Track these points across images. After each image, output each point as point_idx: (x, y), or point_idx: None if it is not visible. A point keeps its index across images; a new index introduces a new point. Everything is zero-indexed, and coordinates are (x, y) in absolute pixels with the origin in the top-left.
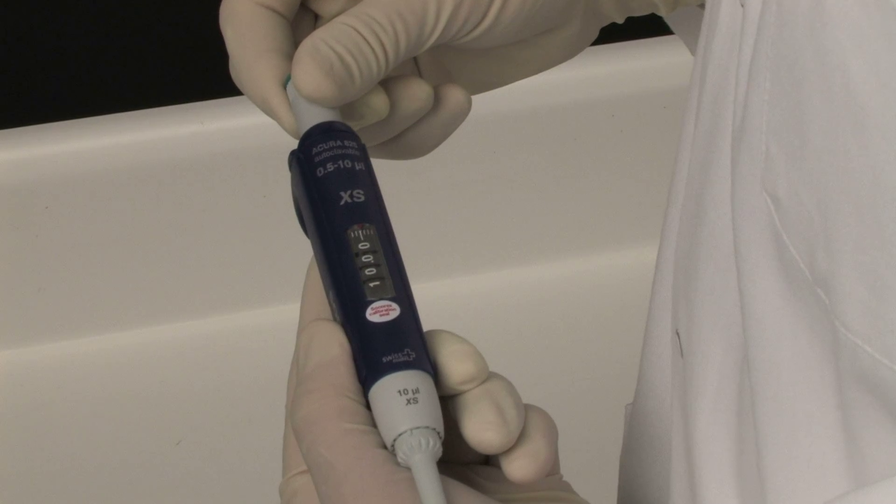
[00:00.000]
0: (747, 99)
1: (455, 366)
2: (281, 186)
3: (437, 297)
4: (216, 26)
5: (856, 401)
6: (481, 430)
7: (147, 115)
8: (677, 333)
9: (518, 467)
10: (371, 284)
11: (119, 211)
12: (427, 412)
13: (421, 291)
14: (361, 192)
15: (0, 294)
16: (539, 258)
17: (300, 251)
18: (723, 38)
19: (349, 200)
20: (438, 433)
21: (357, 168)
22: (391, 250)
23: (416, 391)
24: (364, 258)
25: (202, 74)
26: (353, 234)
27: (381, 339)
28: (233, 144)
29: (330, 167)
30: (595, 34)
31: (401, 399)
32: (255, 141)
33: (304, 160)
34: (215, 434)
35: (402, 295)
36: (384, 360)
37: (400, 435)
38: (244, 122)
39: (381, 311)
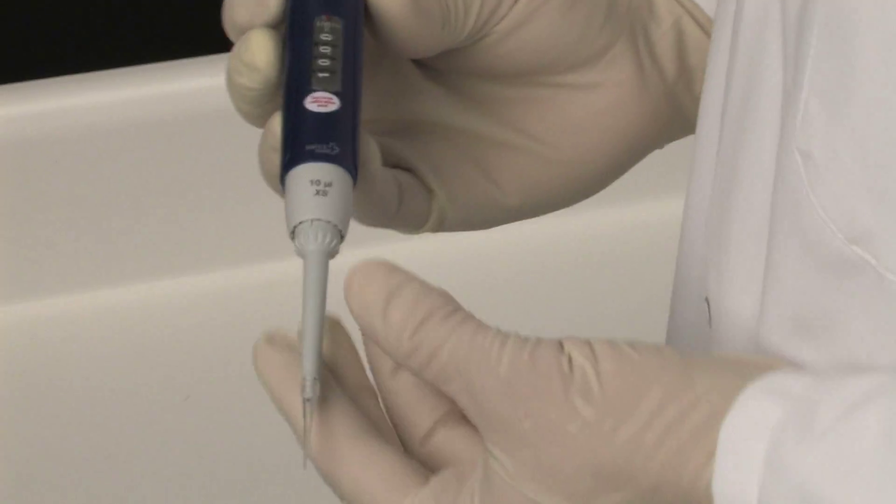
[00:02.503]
0: (794, 57)
1: None
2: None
3: (455, 249)
4: None
5: None
6: None
7: (159, 69)
8: (707, 301)
9: None
10: (320, 75)
11: (129, 165)
12: (334, 208)
13: (444, 241)
14: None
15: (9, 248)
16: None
17: None
18: (754, 4)
19: None
20: (340, 232)
21: None
22: (352, 51)
23: (329, 185)
24: (321, 49)
25: (216, 27)
26: (318, 24)
27: (311, 127)
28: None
29: None
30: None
31: (310, 188)
32: None
33: None
34: (224, 389)
35: (349, 95)
36: (307, 148)
37: (301, 223)
38: None
39: (320, 102)
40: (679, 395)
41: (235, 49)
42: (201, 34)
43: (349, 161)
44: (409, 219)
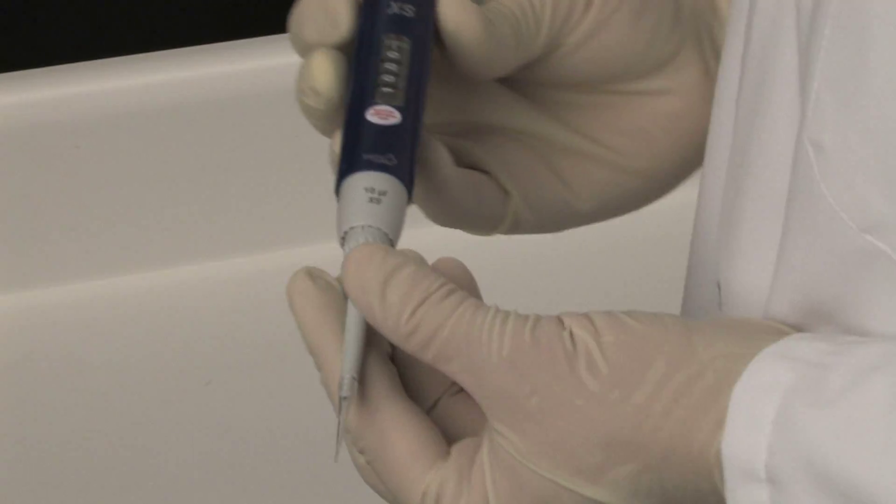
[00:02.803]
0: (807, 47)
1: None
2: (298, 127)
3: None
4: None
5: None
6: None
7: (181, 55)
8: (718, 285)
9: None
10: (383, 90)
11: (151, 150)
12: (386, 216)
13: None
14: (413, 8)
15: (30, 233)
16: None
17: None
18: None
19: (397, 11)
20: (391, 241)
21: None
22: (418, 71)
23: (383, 193)
24: (387, 65)
25: (239, 13)
26: (386, 42)
27: (370, 138)
28: (267, 84)
29: None
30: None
31: (364, 195)
32: (291, 81)
33: None
34: (245, 374)
35: (411, 111)
36: (364, 157)
37: (352, 228)
38: (279, 61)
39: (381, 114)
40: (684, 363)
41: (300, 71)
42: (229, 19)
43: (405, 174)
44: (484, 220)
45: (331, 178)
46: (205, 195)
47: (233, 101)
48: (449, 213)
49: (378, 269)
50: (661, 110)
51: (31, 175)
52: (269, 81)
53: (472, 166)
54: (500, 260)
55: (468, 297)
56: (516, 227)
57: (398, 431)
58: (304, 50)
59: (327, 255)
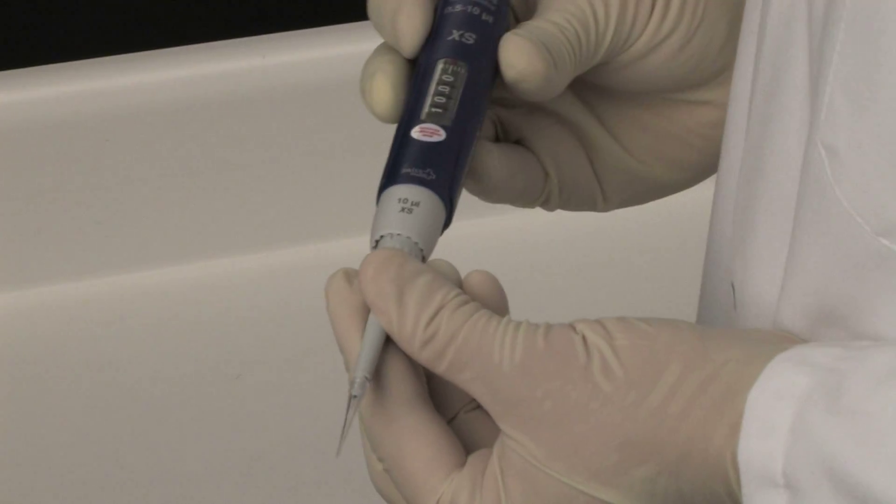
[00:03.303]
0: (819, 50)
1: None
2: (340, 120)
3: (481, 234)
4: None
5: None
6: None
7: (208, 49)
8: (733, 286)
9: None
10: (432, 110)
11: (179, 144)
12: (416, 226)
13: (478, 225)
14: (473, 36)
15: (58, 227)
16: None
17: (363, 184)
18: None
19: (457, 38)
20: (422, 251)
21: (482, 18)
22: (472, 98)
23: (416, 204)
24: (440, 88)
25: (264, 6)
26: (443, 65)
27: (413, 153)
28: (295, 78)
29: (458, 7)
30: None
31: (397, 205)
32: (317, 75)
33: None
34: (274, 368)
35: (457, 131)
36: (403, 170)
37: (382, 237)
38: (306, 55)
39: (425, 132)
40: (698, 365)
41: (362, 83)
42: (255, 13)
43: (443, 189)
44: (524, 194)
45: (363, 173)
46: (235, 189)
47: (263, 96)
48: (490, 195)
49: (395, 276)
50: (698, 118)
51: (61, 170)
52: (300, 75)
53: (518, 142)
54: (515, 256)
55: (480, 307)
56: (546, 205)
57: (417, 441)
58: (367, 74)
59: (360, 250)
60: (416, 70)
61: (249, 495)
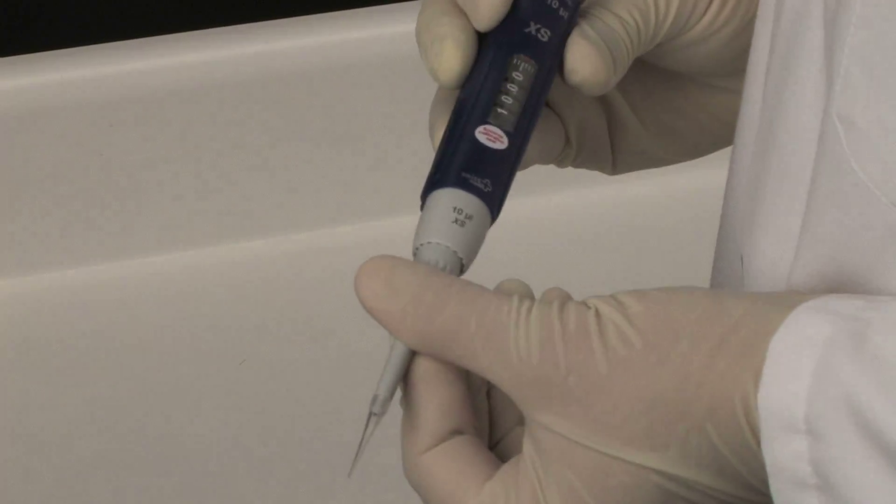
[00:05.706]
0: (833, 22)
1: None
2: (349, 105)
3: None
4: None
5: None
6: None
7: (214, 34)
8: (741, 259)
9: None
10: (499, 110)
11: (183, 129)
12: (464, 241)
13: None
14: (548, 33)
15: (65, 212)
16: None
17: (368, 172)
18: None
19: (533, 33)
20: (462, 265)
21: (559, 13)
22: (536, 100)
23: (469, 217)
24: (510, 86)
25: None
26: (515, 61)
27: (475, 157)
28: (301, 64)
29: None
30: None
31: (451, 214)
32: (324, 61)
33: None
34: (279, 353)
35: (517, 138)
36: (462, 175)
37: (429, 243)
38: (313, 41)
39: (490, 136)
40: (716, 320)
41: (427, 50)
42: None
43: (495, 204)
44: (542, 156)
45: (368, 160)
46: (240, 175)
47: (269, 81)
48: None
49: (386, 277)
50: (724, 104)
51: (64, 155)
52: (306, 60)
53: (546, 104)
54: (528, 235)
55: (485, 289)
56: (561, 164)
57: (453, 452)
58: (439, 19)
59: (366, 236)
60: (485, 50)
61: (254, 481)
